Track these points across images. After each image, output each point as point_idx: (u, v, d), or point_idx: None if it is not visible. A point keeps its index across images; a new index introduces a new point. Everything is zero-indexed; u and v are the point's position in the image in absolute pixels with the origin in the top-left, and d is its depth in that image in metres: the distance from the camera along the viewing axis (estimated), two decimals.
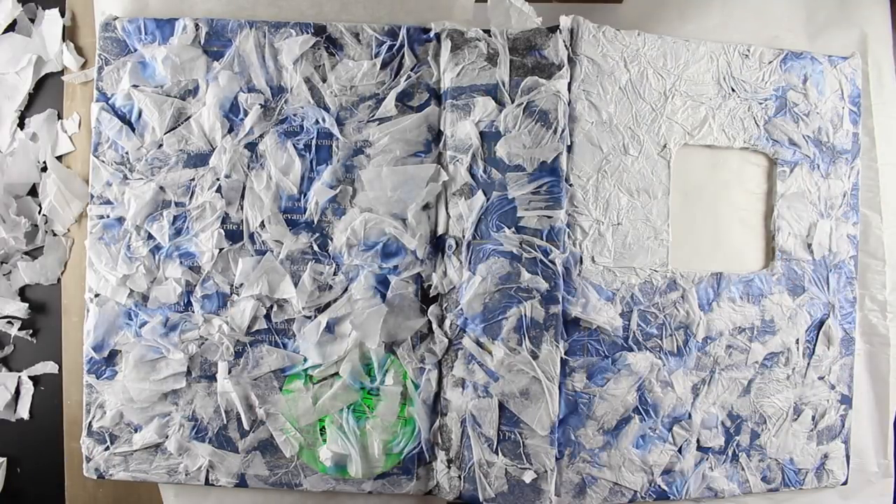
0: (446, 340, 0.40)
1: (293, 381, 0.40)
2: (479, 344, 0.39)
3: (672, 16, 0.45)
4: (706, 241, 0.43)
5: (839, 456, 0.44)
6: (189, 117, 0.40)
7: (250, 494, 0.42)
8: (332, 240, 0.40)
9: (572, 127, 0.39)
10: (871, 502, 0.45)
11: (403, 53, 0.40)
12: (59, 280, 0.45)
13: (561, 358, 0.39)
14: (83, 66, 0.45)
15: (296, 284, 0.40)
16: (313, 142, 0.40)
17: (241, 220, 0.40)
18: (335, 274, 0.40)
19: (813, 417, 0.43)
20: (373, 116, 0.40)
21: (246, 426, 0.40)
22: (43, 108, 0.45)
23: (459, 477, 0.40)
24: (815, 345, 0.43)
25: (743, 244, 0.43)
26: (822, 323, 0.43)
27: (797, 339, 0.43)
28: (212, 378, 0.40)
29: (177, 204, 0.40)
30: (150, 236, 0.40)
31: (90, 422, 0.40)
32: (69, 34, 0.45)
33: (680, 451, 0.41)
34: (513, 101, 0.39)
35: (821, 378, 0.43)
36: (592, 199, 0.40)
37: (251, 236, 0.40)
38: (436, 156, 0.40)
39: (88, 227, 0.41)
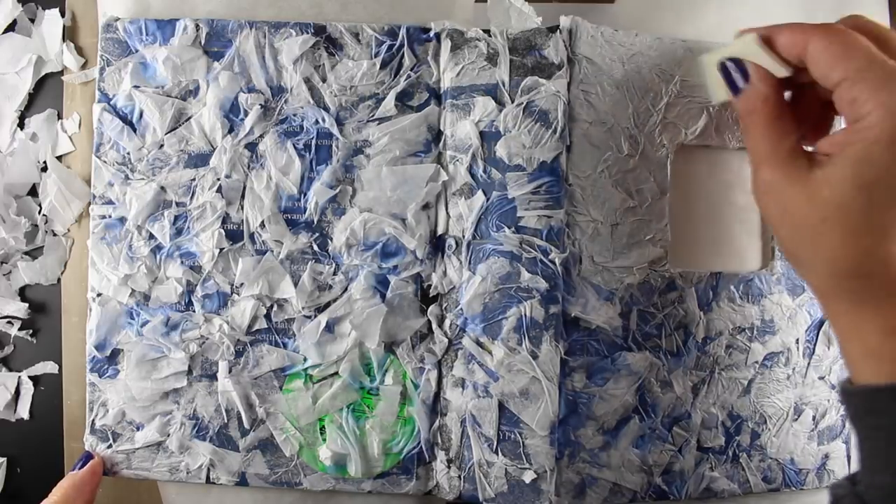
0: (446, 340, 0.40)
1: (293, 381, 0.40)
2: (479, 344, 0.39)
3: (667, 16, 0.44)
4: (705, 242, 0.43)
5: (840, 456, 0.44)
6: (190, 118, 0.40)
7: (251, 493, 0.42)
8: (331, 240, 0.40)
9: (571, 127, 0.39)
10: None
11: (403, 53, 0.40)
12: (59, 280, 0.45)
13: (561, 358, 0.39)
14: (83, 67, 0.45)
15: (296, 284, 0.40)
16: (313, 142, 0.40)
17: (242, 220, 0.40)
18: (335, 274, 0.40)
19: (813, 417, 0.43)
20: (372, 116, 0.40)
21: (246, 425, 0.40)
22: (43, 108, 0.45)
23: (459, 477, 0.40)
24: (815, 344, 0.43)
25: (742, 244, 0.43)
26: (822, 322, 0.43)
27: (797, 339, 0.43)
28: (212, 377, 0.40)
29: (178, 204, 0.40)
30: (151, 236, 0.40)
31: (93, 419, 0.40)
32: (69, 34, 0.45)
33: (680, 451, 0.41)
34: (513, 101, 0.39)
35: (821, 378, 0.43)
36: (591, 198, 0.40)
37: (251, 236, 0.40)
38: (436, 156, 0.40)
39: (91, 227, 0.41)
